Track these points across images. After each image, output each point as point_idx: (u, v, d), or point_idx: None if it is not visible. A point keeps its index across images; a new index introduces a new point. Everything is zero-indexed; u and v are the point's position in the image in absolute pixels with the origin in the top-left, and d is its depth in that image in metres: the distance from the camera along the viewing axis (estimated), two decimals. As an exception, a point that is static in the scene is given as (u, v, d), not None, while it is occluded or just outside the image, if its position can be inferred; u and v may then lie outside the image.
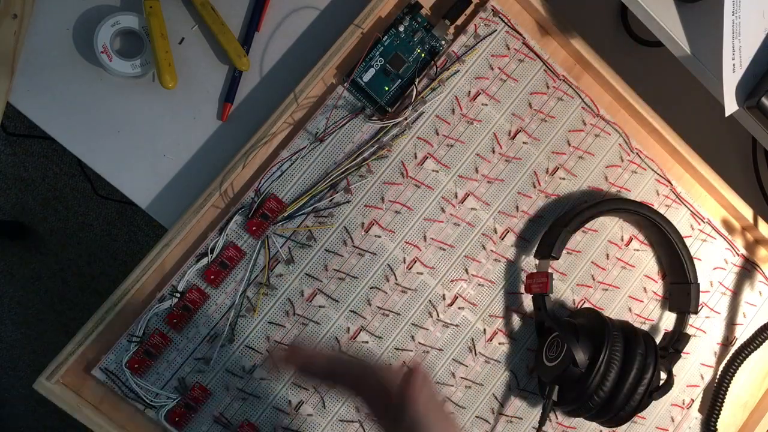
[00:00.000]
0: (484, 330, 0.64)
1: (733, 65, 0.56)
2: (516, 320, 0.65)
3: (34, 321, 1.42)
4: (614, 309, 0.68)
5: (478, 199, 0.64)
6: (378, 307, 0.61)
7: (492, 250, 0.64)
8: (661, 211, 0.68)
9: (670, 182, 0.68)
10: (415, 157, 0.62)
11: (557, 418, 0.66)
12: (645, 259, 0.69)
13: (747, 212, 0.69)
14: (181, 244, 0.58)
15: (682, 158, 0.68)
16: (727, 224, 0.71)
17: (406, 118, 0.61)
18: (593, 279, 0.67)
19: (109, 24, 0.60)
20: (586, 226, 0.65)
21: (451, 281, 0.63)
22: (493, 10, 0.63)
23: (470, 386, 0.63)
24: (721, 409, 0.68)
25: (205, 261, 0.58)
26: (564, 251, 0.64)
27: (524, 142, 0.65)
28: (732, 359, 0.68)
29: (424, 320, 0.62)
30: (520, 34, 0.64)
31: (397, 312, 0.62)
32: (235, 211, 0.59)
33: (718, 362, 0.70)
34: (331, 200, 0.60)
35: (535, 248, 0.64)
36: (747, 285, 0.71)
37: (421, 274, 0.62)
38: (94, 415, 0.56)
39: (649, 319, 0.69)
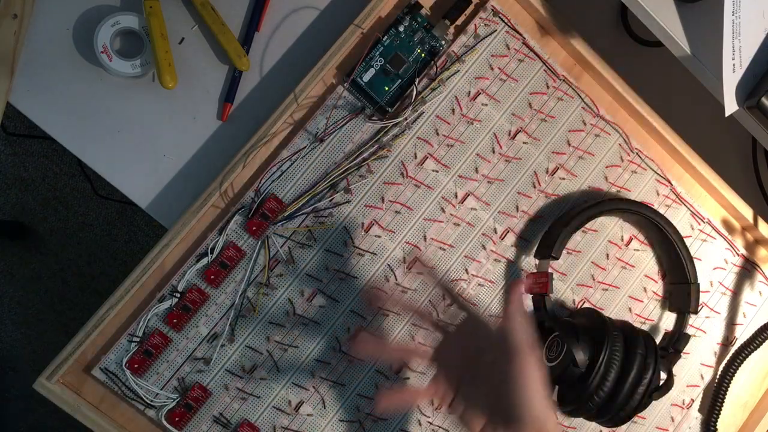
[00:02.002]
0: (484, 330, 0.64)
1: (733, 65, 0.56)
2: (516, 320, 0.65)
3: (34, 321, 1.42)
4: (614, 309, 0.68)
5: (478, 199, 0.64)
6: (378, 307, 0.61)
7: (492, 250, 0.64)
8: (661, 211, 0.68)
9: (670, 182, 0.68)
10: (415, 157, 0.62)
11: (557, 418, 0.66)
12: (645, 259, 0.68)
13: (747, 212, 0.69)
14: (181, 244, 0.58)
15: (682, 158, 0.68)
16: (727, 224, 0.71)
17: (406, 118, 0.61)
18: (593, 279, 0.67)
19: (109, 24, 0.60)
20: (586, 226, 0.65)
21: (451, 281, 0.63)
22: (493, 10, 0.63)
23: (470, 386, 0.63)
24: (721, 409, 0.68)
25: (205, 261, 0.58)
26: (564, 251, 0.64)
27: (524, 142, 0.65)
28: (732, 359, 0.68)
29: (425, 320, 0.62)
30: (520, 34, 0.64)
31: (398, 312, 0.62)
32: (235, 211, 0.59)
33: (718, 362, 0.70)
34: (331, 200, 0.60)
35: (535, 248, 0.64)
36: (747, 285, 0.71)
37: (422, 274, 0.62)
38: (94, 415, 0.56)
39: (649, 319, 0.69)
